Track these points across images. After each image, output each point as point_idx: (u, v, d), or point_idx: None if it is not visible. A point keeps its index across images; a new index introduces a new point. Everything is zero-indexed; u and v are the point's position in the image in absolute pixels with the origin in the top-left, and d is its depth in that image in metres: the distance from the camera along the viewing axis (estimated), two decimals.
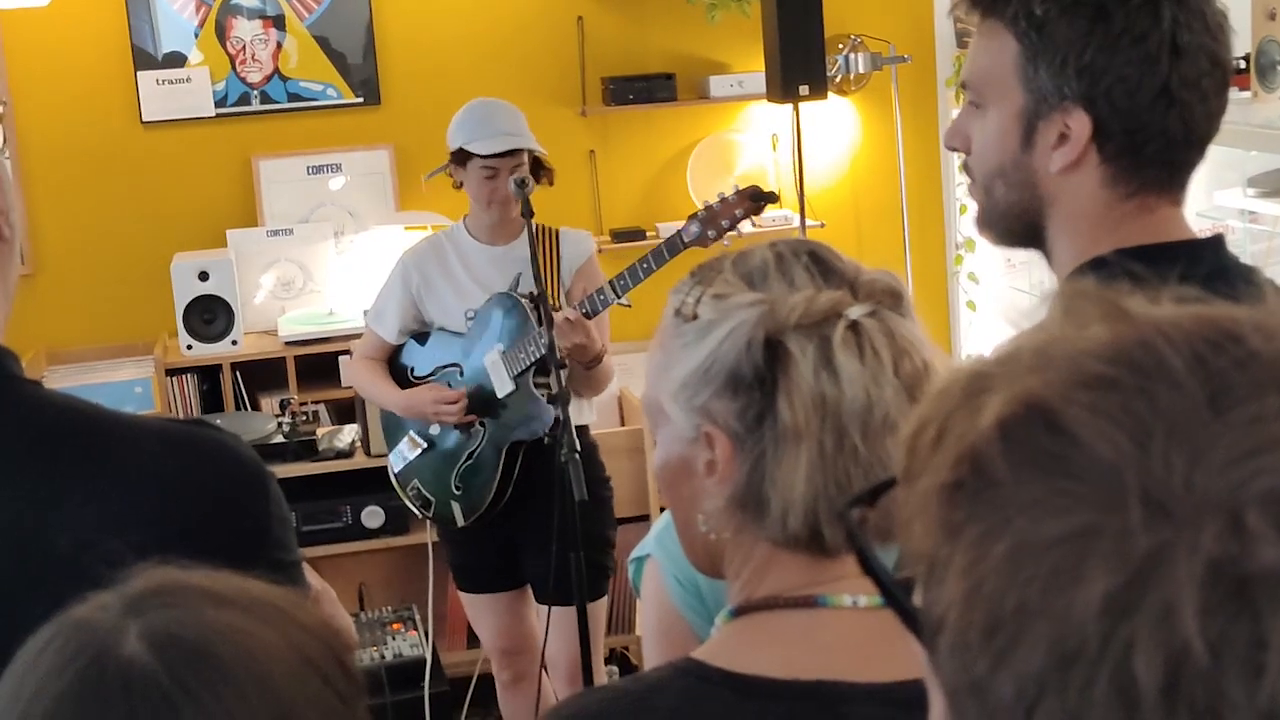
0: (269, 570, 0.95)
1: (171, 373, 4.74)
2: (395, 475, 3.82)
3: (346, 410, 4.71)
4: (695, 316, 1.13)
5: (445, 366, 3.70)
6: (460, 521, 3.67)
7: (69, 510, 1.19)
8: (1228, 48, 1.46)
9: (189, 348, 4.72)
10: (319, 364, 4.81)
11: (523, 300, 3.55)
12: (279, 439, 4.47)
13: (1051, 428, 0.53)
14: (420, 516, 3.85)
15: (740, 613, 1.16)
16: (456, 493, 3.66)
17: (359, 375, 3.81)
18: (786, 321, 1.09)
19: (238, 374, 4.79)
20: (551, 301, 3.57)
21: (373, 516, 4.49)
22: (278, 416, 4.60)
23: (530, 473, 3.56)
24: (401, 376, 3.75)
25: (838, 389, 1.09)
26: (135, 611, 0.85)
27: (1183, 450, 0.50)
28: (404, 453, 3.78)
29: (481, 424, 3.64)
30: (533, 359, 3.49)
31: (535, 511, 3.49)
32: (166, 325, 4.87)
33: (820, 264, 1.14)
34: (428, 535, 4.06)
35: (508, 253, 3.66)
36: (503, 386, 3.57)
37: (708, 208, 3.56)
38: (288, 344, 4.80)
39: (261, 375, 4.84)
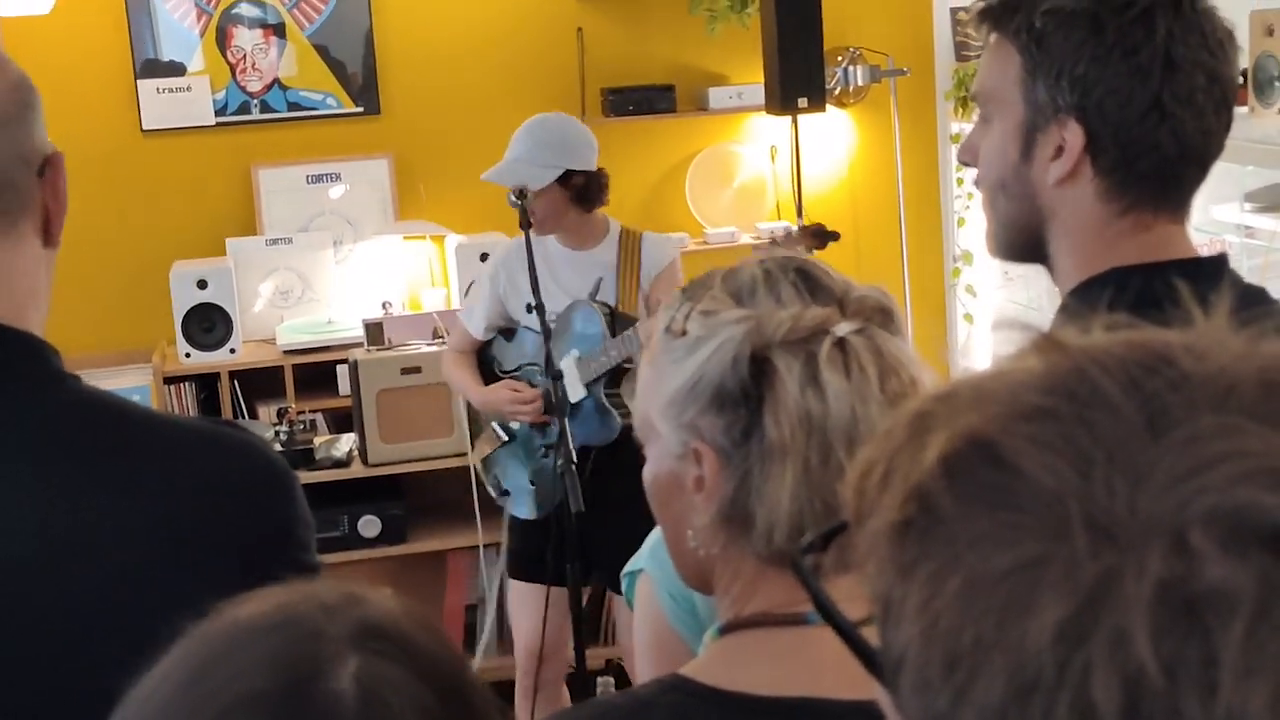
0: (290, 570, 0.96)
1: (170, 380, 4.74)
2: (478, 463, 3.94)
3: (344, 419, 4.71)
4: (684, 332, 1.14)
5: (528, 364, 3.78)
6: (532, 515, 3.76)
7: (100, 504, 1.22)
8: (1229, 64, 1.45)
9: (187, 356, 4.73)
10: (317, 373, 4.81)
11: (599, 309, 3.61)
12: (276, 448, 4.46)
13: (994, 461, 0.53)
14: (499, 504, 3.96)
15: (729, 630, 1.16)
16: (530, 487, 3.77)
17: (447, 367, 3.91)
18: (772, 338, 1.09)
19: (236, 382, 4.79)
20: (623, 307, 3.65)
21: (369, 526, 4.48)
22: (275, 425, 4.59)
23: (602, 476, 3.56)
24: (489, 369, 3.86)
25: (823, 406, 1.09)
26: (360, 646, 0.80)
27: (1124, 475, 0.51)
28: (487, 442, 3.90)
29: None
30: (604, 369, 3.56)
31: (608, 513, 3.40)
32: (165, 333, 4.87)
33: (808, 281, 1.14)
34: (478, 537, 4.15)
35: (590, 257, 3.69)
36: (575, 392, 3.64)
37: (772, 243, 3.63)
38: (286, 353, 4.81)
39: (259, 384, 4.84)
